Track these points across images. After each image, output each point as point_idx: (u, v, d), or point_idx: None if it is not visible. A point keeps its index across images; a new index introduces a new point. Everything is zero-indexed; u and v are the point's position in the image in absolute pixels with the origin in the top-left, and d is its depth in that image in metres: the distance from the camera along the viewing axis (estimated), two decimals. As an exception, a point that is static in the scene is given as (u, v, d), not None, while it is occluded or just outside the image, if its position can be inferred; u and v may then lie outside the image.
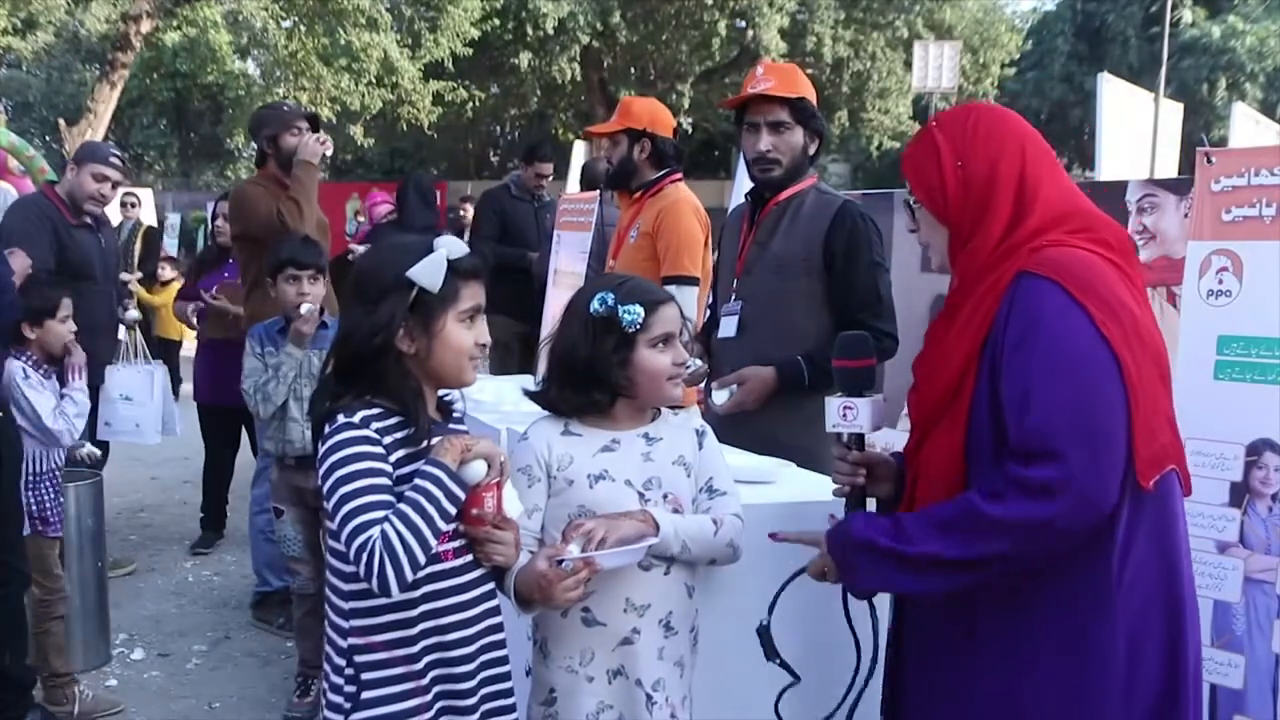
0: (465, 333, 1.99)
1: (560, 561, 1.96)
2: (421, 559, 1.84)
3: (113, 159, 4.97)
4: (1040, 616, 1.76)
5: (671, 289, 3.94)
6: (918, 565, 1.78)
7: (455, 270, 1.96)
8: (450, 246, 1.98)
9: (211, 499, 5.93)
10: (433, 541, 1.86)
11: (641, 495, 2.11)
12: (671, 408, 2.23)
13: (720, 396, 3.14)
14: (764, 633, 2.09)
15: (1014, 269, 1.79)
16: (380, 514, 1.84)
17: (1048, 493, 1.66)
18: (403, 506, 1.85)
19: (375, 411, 1.93)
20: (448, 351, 1.98)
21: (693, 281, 3.87)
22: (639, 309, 2.07)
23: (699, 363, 3.15)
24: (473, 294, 2.00)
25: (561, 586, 1.95)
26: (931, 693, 1.90)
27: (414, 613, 1.94)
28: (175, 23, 17.18)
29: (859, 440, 2.06)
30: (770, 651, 2.09)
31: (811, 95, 3.25)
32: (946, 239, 1.92)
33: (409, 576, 1.84)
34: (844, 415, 2.03)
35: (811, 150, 3.26)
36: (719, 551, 2.15)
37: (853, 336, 2.10)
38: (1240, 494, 2.51)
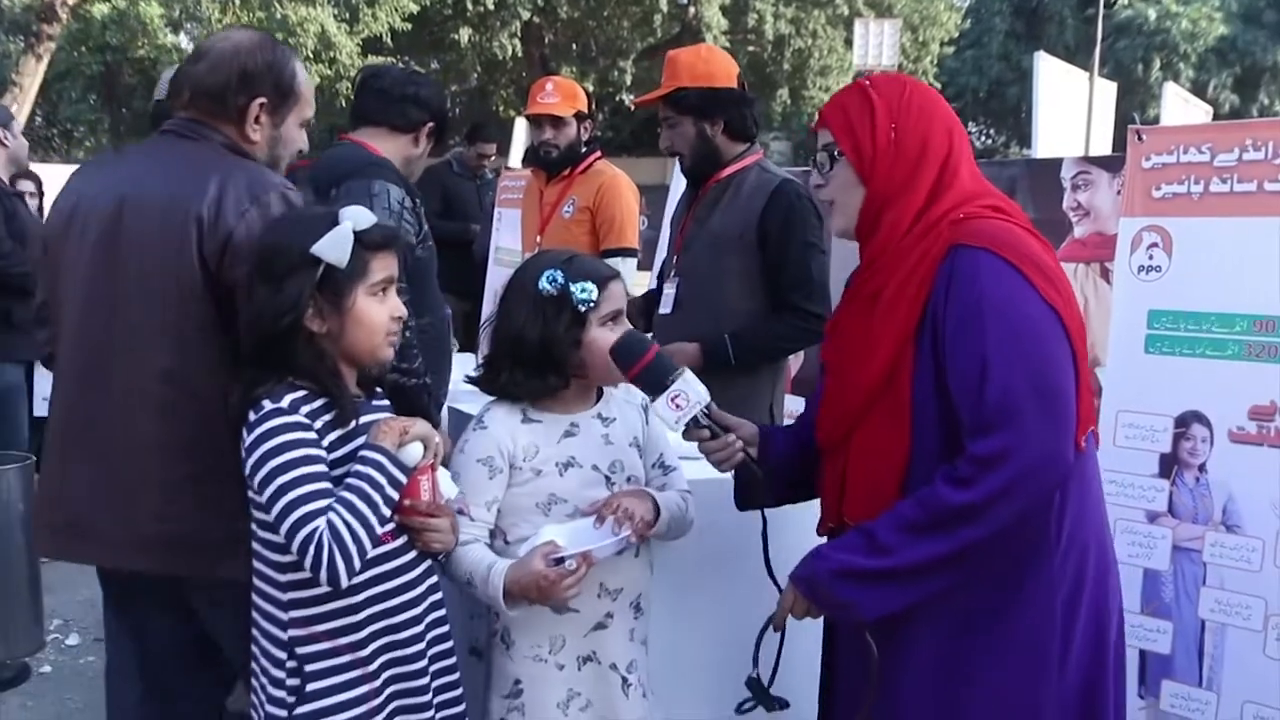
0: (378, 307, 1.91)
1: (559, 560, 1.91)
2: (369, 547, 1.80)
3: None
4: (982, 586, 1.74)
5: (616, 261, 4.05)
6: (910, 575, 1.72)
7: (363, 242, 1.87)
8: (356, 218, 1.88)
9: None
10: (379, 529, 1.81)
11: (608, 479, 2.07)
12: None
13: None
14: (754, 683, 1.98)
15: (942, 244, 1.76)
16: (322, 503, 1.77)
17: (1008, 456, 1.64)
18: (347, 495, 1.79)
19: (301, 394, 1.85)
20: (360, 328, 1.89)
21: (634, 254, 4.10)
22: (592, 286, 2.01)
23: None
24: (383, 265, 1.92)
25: (564, 585, 1.92)
26: (865, 670, 1.82)
27: (359, 598, 1.88)
28: (103, -6, 16.76)
29: (707, 414, 1.97)
30: (767, 701, 1.99)
31: (702, 80, 3.16)
32: (860, 200, 1.86)
33: (358, 566, 1.79)
34: (677, 406, 1.94)
35: (713, 133, 3.16)
36: (686, 528, 2.14)
37: (621, 344, 1.98)
38: (1169, 465, 2.57)
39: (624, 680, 2.07)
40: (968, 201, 1.80)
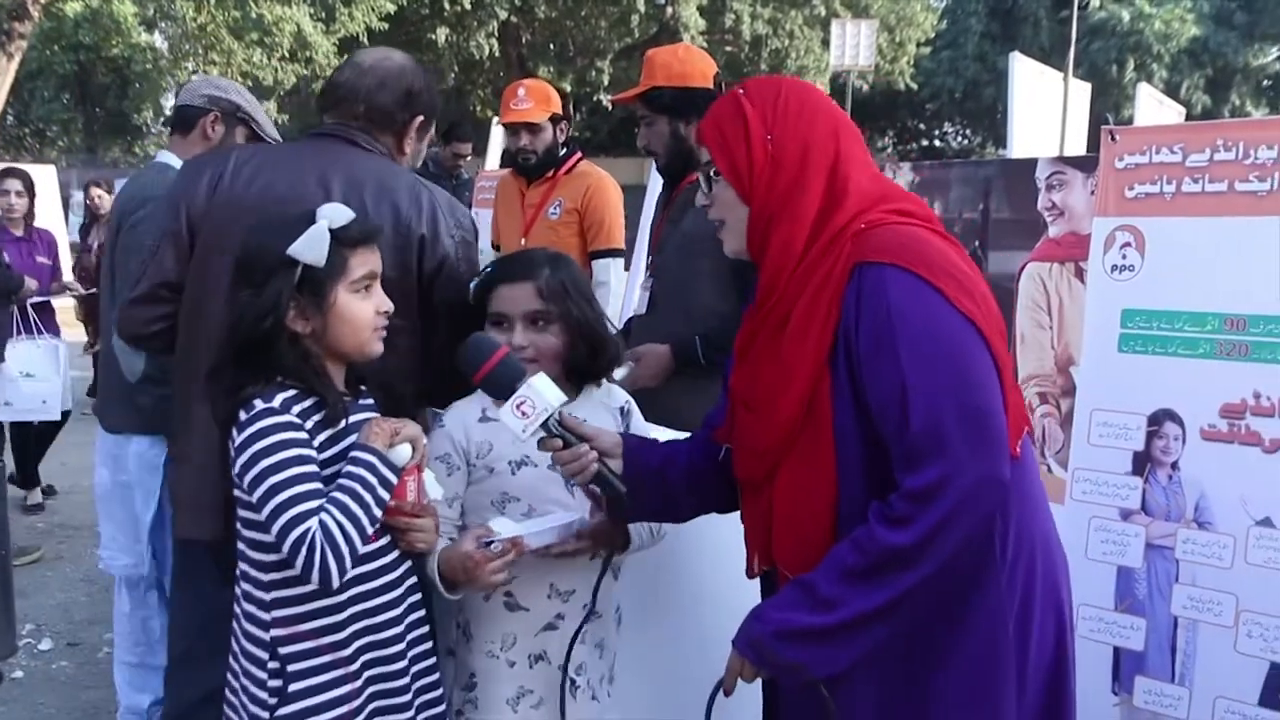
0: (361, 303, 1.90)
1: (489, 543, 1.93)
2: (360, 547, 1.79)
3: None
4: (928, 617, 1.64)
5: (604, 263, 4.20)
6: (858, 627, 1.61)
7: (340, 240, 1.87)
8: (332, 216, 1.87)
9: None
10: (369, 529, 1.81)
11: (568, 481, 2.07)
12: (602, 377, 2.20)
13: (618, 373, 3.15)
14: None
15: (846, 262, 1.64)
16: (315, 503, 1.77)
17: (943, 487, 1.55)
18: (339, 495, 1.79)
19: (292, 394, 1.85)
20: (345, 325, 1.89)
21: (622, 254, 4.22)
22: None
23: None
24: (364, 261, 1.91)
25: (489, 568, 1.93)
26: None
27: (342, 598, 1.88)
28: (76, -8, 16.62)
29: (559, 422, 1.89)
30: None
31: (676, 80, 3.16)
32: (746, 218, 1.75)
33: (349, 566, 1.78)
34: (524, 414, 1.86)
35: (687, 132, 3.15)
36: (652, 544, 2.16)
37: (469, 346, 1.94)
38: (1142, 463, 2.59)
39: (571, 682, 2.08)
40: (869, 208, 1.69)
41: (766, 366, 1.73)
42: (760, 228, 1.73)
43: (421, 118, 2.35)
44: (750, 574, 1.88)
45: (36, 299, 5.76)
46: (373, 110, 2.28)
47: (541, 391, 1.87)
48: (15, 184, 6.20)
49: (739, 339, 1.82)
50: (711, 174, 1.80)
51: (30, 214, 6.26)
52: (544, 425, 1.87)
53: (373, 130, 2.29)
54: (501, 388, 1.90)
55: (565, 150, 4.27)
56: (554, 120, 4.21)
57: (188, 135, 3.18)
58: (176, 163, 3.15)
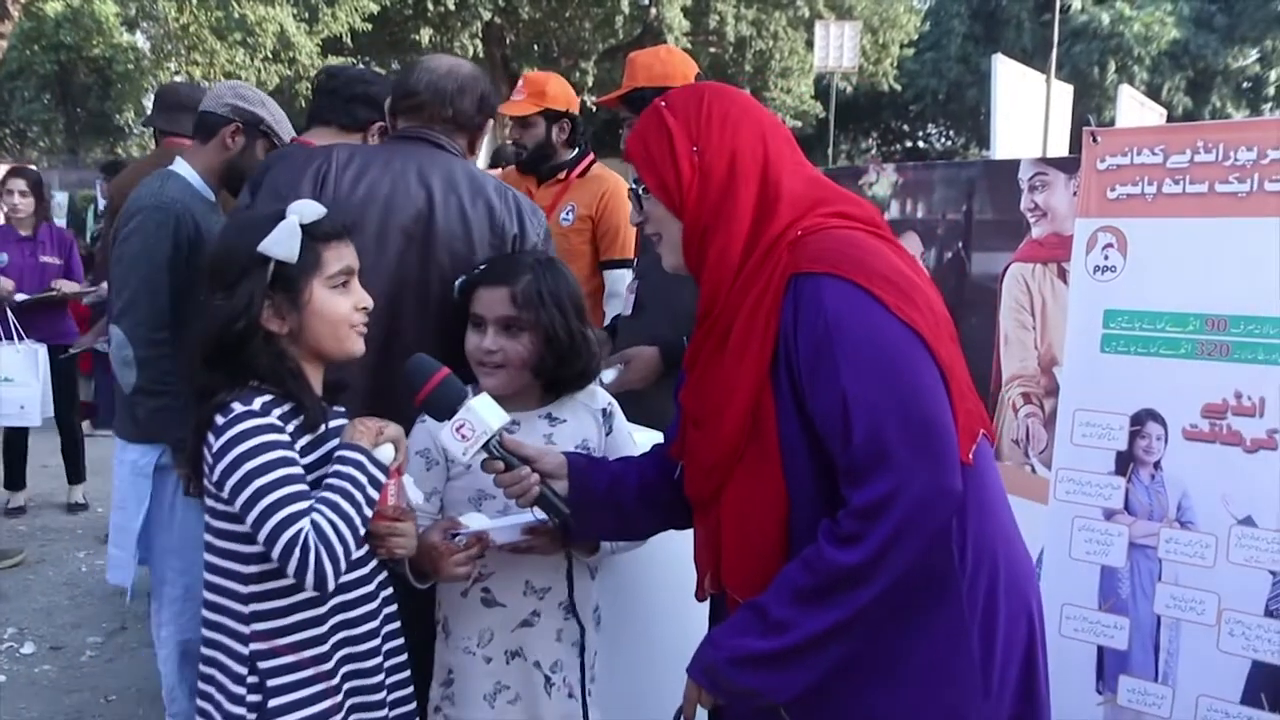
0: (339, 299, 1.87)
1: (454, 535, 1.94)
2: (354, 548, 1.75)
3: None
4: (885, 634, 1.61)
5: (616, 273, 3.99)
6: (812, 648, 1.57)
7: (312, 235, 1.83)
8: (303, 211, 1.84)
9: None
10: (361, 529, 1.77)
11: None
12: (575, 388, 2.21)
13: (607, 375, 3.14)
14: None
15: (783, 272, 1.61)
16: (303, 505, 1.72)
17: (890, 502, 1.51)
18: (330, 495, 1.74)
19: (269, 398, 1.81)
20: (322, 323, 1.85)
21: (633, 264, 3.93)
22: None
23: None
24: (339, 256, 1.87)
25: (452, 560, 1.94)
26: None
27: (325, 608, 1.84)
28: (57, -9, 16.50)
29: (500, 443, 1.88)
30: None
31: (659, 80, 3.15)
32: (680, 232, 1.73)
33: (343, 569, 1.74)
34: (463, 436, 1.85)
35: None
36: (628, 548, 2.18)
37: (410, 367, 1.93)
38: (1125, 462, 2.60)
39: (547, 679, 2.10)
40: (806, 213, 1.65)
41: (710, 381, 1.70)
42: (695, 241, 1.70)
43: (491, 120, 2.53)
44: (699, 597, 1.85)
45: (21, 298, 5.71)
46: (458, 114, 2.42)
47: (481, 413, 1.85)
48: (19, 183, 6.07)
49: (687, 353, 1.79)
50: (640, 191, 1.77)
51: (39, 213, 6.12)
52: (484, 447, 1.86)
53: (452, 133, 2.43)
54: (441, 410, 1.89)
55: (577, 151, 4.08)
56: (549, 116, 4.00)
57: (207, 143, 3.15)
58: (188, 173, 3.12)
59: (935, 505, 1.53)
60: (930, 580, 1.60)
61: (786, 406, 1.61)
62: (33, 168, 6.72)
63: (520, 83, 4.11)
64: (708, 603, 1.88)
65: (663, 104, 1.74)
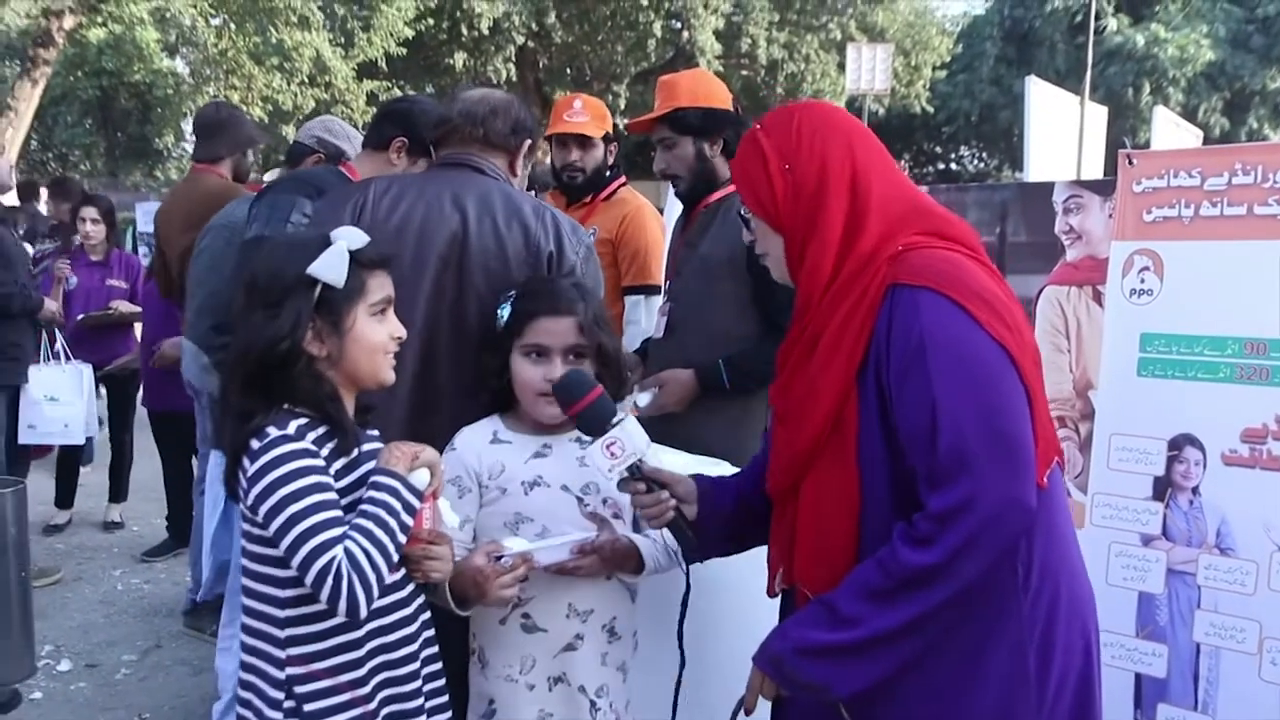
0: (378, 327, 1.88)
1: (499, 558, 1.93)
2: (386, 575, 1.75)
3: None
4: (950, 643, 1.64)
5: (637, 300, 3.92)
6: (879, 645, 1.61)
7: (359, 261, 1.84)
8: (350, 237, 1.85)
9: (177, 507, 5.64)
10: (395, 556, 1.76)
11: (580, 500, 2.09)
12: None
13: (643, 399, 3.14)
14: None
15: (880, 283, 1.66)
16: (338, 531, 1.71)
17: (967, 509, 1.55)
18: (363, 522, 1.74)
19: (304, 421, 1.80)
20: (361, 349, 1.86)
21: (657, 290, 3.87)
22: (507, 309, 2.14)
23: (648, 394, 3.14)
24: (380, 285, 1.89)
25: (498, 583, 1.93)
26: None
27: (361, 633, 1.83)
28: (100, 19, 16.76)
29: (640, 467, 1.93)
30: None
31: (701, 101, 3.16)
32: (782, 247, 1.81)
33: (377, 595, 1.73)
34: (613, 454, 1.90)
35: (712, 153, 3.18)
36: (670, 568, 2.15)
37: (569, 380, 2.00)
38: (1163, 488, 2.57)
39: (592, 704, 2.08)
40: (900, 228, 1.70)
41: (799, 381, 1.76)
42: (796, 253, 1.78)
43: (530, 141, 2.55)
44: (771, 592, 1.89)
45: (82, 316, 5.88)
46: (490, 133, 2.44)
47: (633, 435, 1.91)
48: (91, 211, 6.20)
49: (780, 349, 1.85)
50: (743, 213, 1.86)
51: (111, 240, 6.31)
52: (629, 468, 1.91)
53: (489, 155, 2.45)
54: (594, 425, 1.94)
55: (610, 174, 4.06)
56: (605, 140, 4.00)
57: (294, 170, 3.33)
58: None
59: (1009, 516, 1.57)
60: (993, 594, 1.63)
61: (870, 411, 1.66)
62: (105, 195, 6.85)
63: (578, 104, 4.04)
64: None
65: (758, 127, 1.83)
